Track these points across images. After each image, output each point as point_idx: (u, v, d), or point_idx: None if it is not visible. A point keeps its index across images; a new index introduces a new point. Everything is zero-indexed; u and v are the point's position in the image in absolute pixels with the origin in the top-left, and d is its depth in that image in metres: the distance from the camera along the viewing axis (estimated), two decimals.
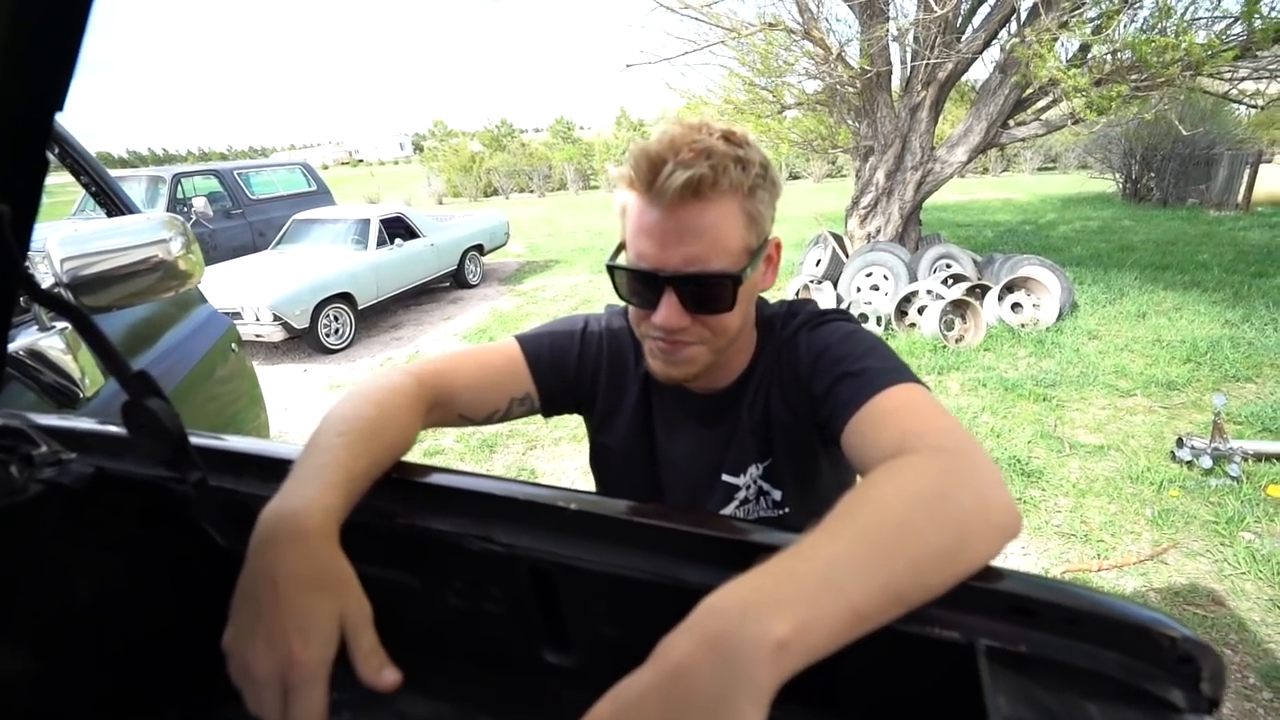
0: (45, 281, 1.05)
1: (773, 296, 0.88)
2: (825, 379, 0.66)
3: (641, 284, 0.66)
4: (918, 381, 0.61)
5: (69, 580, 0.64)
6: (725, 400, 0.78)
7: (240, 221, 7.95)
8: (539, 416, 0.83)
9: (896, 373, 0.62)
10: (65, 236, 1.03)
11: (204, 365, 1.58)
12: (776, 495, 0.78)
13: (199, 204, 7.33)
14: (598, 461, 0.88)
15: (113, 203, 1.43)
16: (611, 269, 0.68)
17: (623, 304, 0.84)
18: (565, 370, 0.80)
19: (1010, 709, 0.37)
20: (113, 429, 0.67)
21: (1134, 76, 4.46)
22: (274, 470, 0.58)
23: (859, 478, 0.58)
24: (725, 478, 0.79)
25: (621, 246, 0.69)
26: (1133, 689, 0.38)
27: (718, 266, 0.63)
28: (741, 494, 0.78)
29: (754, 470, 0.77)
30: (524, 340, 0.80)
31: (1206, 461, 2.69)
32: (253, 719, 0.63)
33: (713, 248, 0.62)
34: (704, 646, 0.33)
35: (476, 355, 0.77)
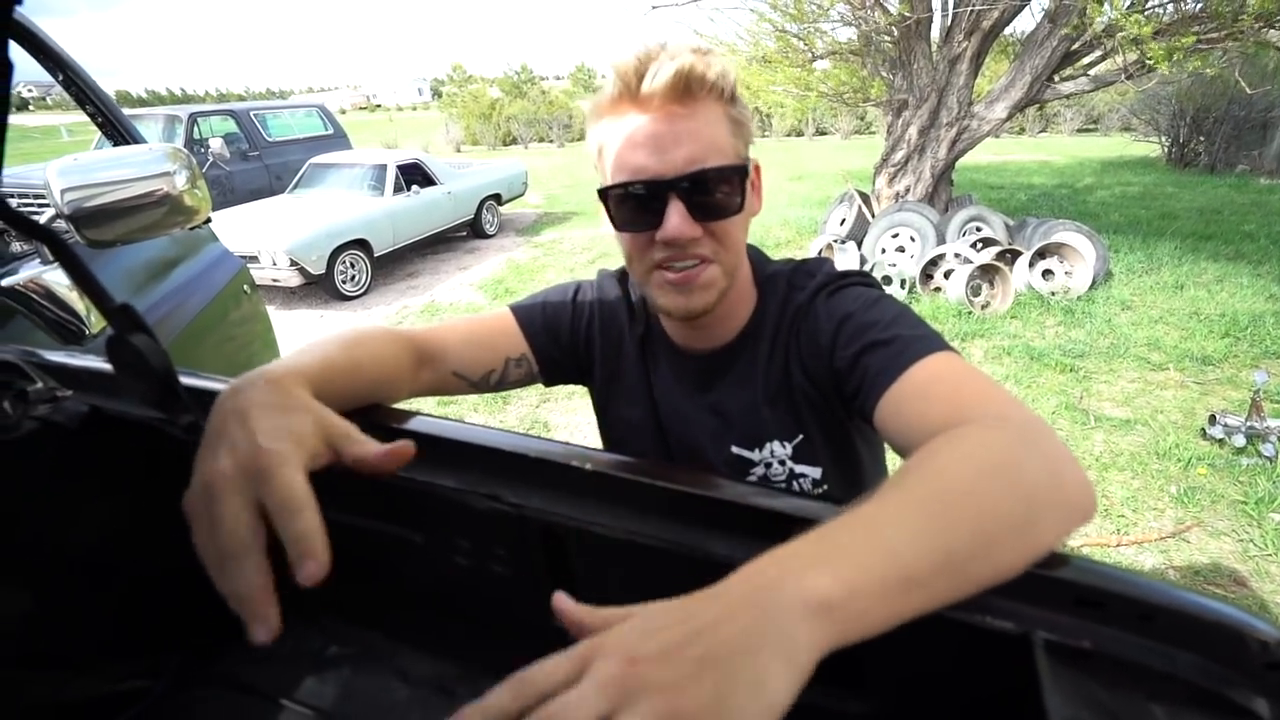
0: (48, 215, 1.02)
1: (795, 256, 0.82)
2: (850, 350, 0.60)
3: (642, 201, 0.61)
4: (952, 349, 0.56)
5: (64, 521, 0.62)
6: (721, 361, 0.73)
7: (257, 164, 7.86)
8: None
9: (929, 340, 0.57)
10: (65, 166, 0.99)
11: (216, 306, 1.56)
12: (815, 474, 0.72)
13: (216, 145, 7.24)
14: (607, 433, 0.84)
15: (118, 132, 1.38)
16: (605, 193, 0.63)
17: (614, 270, 0.81)
18: (559, 335, 0.77)
19: (1068, 709, 0.33)
20: (110, 367, 0.64)
21: (1197, 27, 4.15)
22: None
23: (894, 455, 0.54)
24: (736, 450, 0.73)
25: (606, 190, 0.64)
26: (1210, 694, 0.34)
27: (721, 163, 0.60)
28: (759, 470, 0.72)
29: (778, 449, 0.71)
30: (516, 307, 0.77)
31: (1239, 440, 2.60)
32: (258, 662, 0.62)
33: (712, 147, 0.60)
34: (740, 593, 0.30)
35: (467, 318, 0.76)
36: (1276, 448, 2.55)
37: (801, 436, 0.70)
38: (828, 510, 0.40)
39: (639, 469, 0.44)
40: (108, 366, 0.65)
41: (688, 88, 0.58)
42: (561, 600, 0.34)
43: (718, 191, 0.61)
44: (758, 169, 0.68)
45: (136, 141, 1.42)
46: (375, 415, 0.54)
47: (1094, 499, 0.41)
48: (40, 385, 0.64)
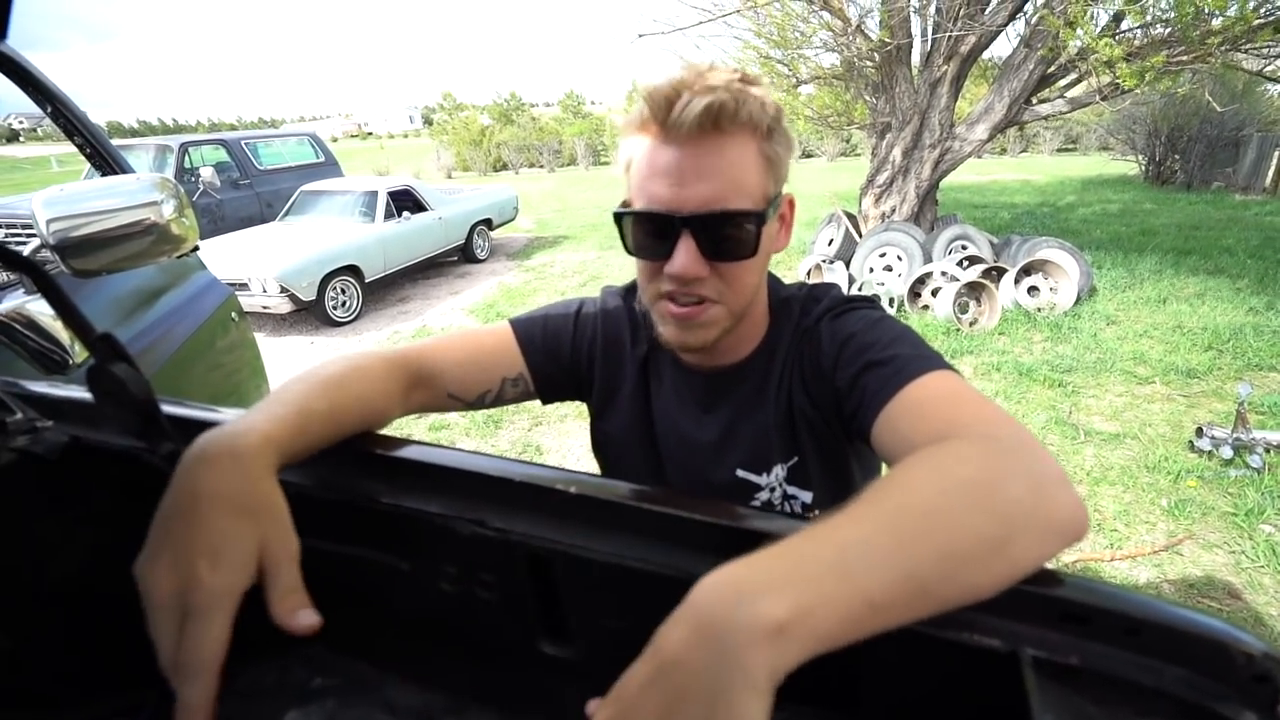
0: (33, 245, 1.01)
1: (783, 277, 0.83)
2: (850, 369, 0.60)
3: (654, 231, 0.60)
4: (951, 369, 0.56)
5: (43, 553, 0.61)
6: (730, 380, 0.72)
7: (248, 192, 7.88)
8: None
9: (928, 360, 0.57)
10: (51, 196, 0.99)
11: (203, 334, 1.55)
12: (805, 498, 0.71)
13: (206, 174, 7.26)
14: (599, 451, 0.83)
15: (106, 163, 1.39)
16: (620, 216, 0.62)
17: (619, 286, 0.80)
18: (559, 353, 0.76)
19: None
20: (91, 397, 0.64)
21: (1167, 51, 4.29)
22: None
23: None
24: (742, 474, 0.72)
25: (626, 205, 0.64)
26: (1198, 709, 0.33)
27: (739, 205, 0.58)
28: (764, 495, 0.72)
29: (779, 471, 0.71)
30: (517, 322, 0.76)
31: (1227, 451, 2.62)
32: (241, 696, 0.60)
33: (733, 187, 0.57)
34: (695, 634, 0.31)
35: (465, 335, 0.74)
36: (1264, 459, 2.58)
37: (796, 459, 0.70)
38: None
39: (624, 492, 0.44)
40: (89, 396, 0.64)
41: (716, 123, 0.56)
42: (590, 706, 0.35)
43: (731, 234, 0.59)
44: (791, 203, 0.67)
45: (125, 172, 1.43)
46: (357, 442, 0.54)
47: (1084, 520, 0.40)
48: (20, 416, 0.64)
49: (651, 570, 0.42)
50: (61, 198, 1.01)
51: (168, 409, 0.56)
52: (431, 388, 0.67)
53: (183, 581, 0.37)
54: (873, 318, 0.65)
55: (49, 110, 1.41)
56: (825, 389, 0.64)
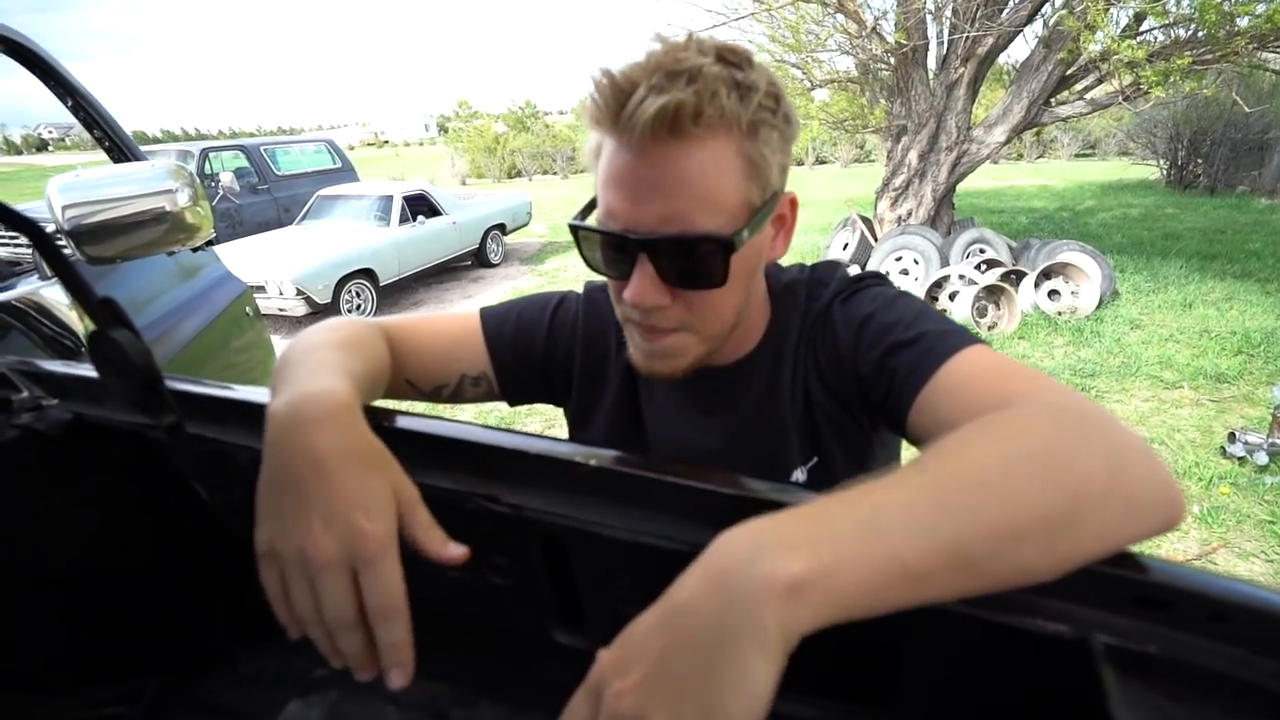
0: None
1: None
2: (874, 353, 0.55)
3: (612, 249, 0.52)
4: (984, 343, 0.52)
5: (44, 533, 0.59)
6: (732, 379, 0.64)
7: (266, 197, 7.99)
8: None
9: (958, 335, 0.52)
10: (66, 182, 0.98)
11: (217, 328, 1.55)
12: None
13: (226, 179, 7.37)
14: None
15: (124, 156, 1.39)
16: (576, 230, 0.54)
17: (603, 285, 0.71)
18: (529, 354, 0.68)
19: None
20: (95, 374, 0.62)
21: (1192, 51, 4.21)
22: (259, 418, 0.52)
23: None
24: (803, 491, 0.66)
25: (593, 204, 0.56)
26: None
27: (704, 227, 0.49)
28: None
29: (799, 476, 0.64)
30: (487, 314, 0.69)
31: (1262, 458, 2.54)
32: (241, 686, 0.58)
33: (698, 202, 0.48)
34: (708, 583, 0.30)
35: (434, 320, 0.68)
36: None
37: (816, 459, 0.64)
38: None
39: (645, 465, 0.41)
40: (94, 374, 0.63)
41: (675, 126, 0.45)
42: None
43: (694, 262, 0.50)
44: (792, 203, 0.58)
45: (137, 158, 1.43)
46: (370, 415, 0.51)
47: (1176, 500, 0.35)
48: (25, 394, 0.62)
49: (671, 548, 0.39)
50: (77, 184, 1.01)
51: (171, 384, 0.54)
52: (397, 369, 0.63)
53: (344, 537, 0.37)
54: (888, 295, 0.59)
55: (70, 104, 1.42)
56: (845, 377, 0.59)
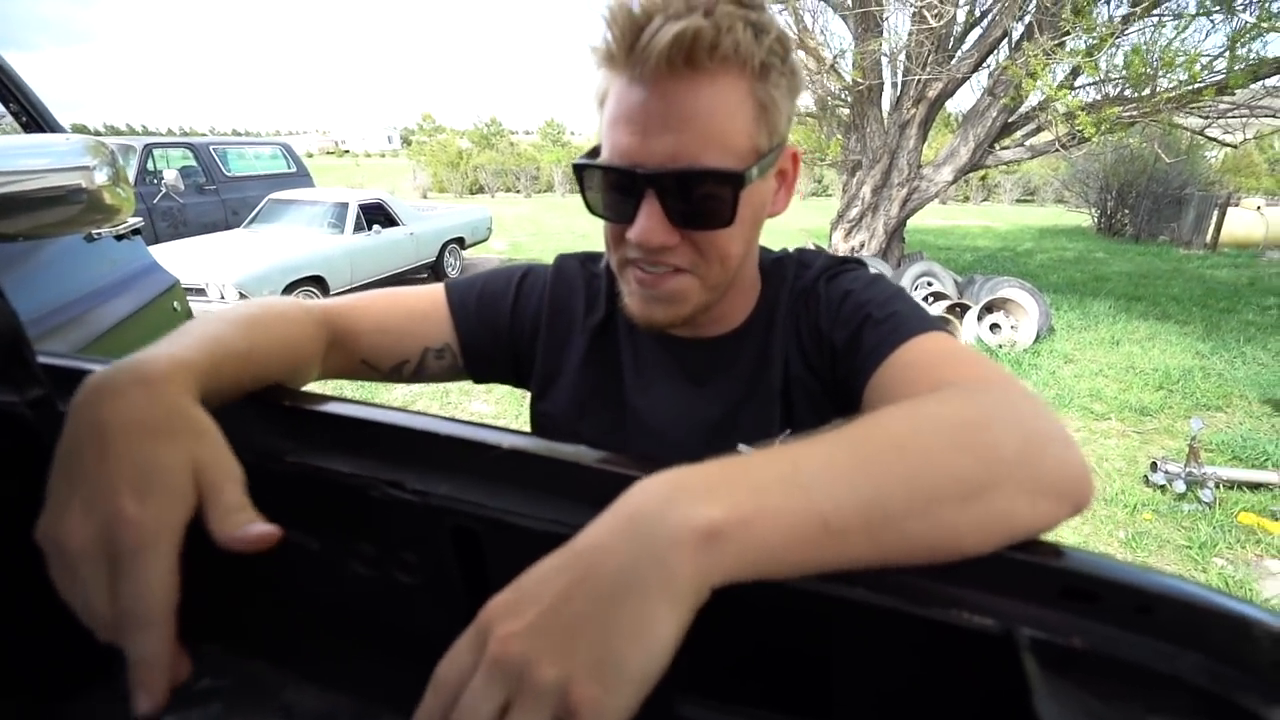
0: None
1: None
2: (848, 327, 0.57)
3: (617, 188, 0.51)
4: (948, 332, 0.53)
5: None
6: (724, 350, 0.64)
7: (213, 198, 7.68)
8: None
9: (926, 320, 0.54)
10: None
11: (141, 319, 1.44)
12: None
13: (170, 176, 7.04)
14: (541, 435, 0.75)
15: (33, 119, 1.30)
16: (580, 169, 0.53)
17: (577, 253, 0.72)
18: (496, 323, 0.67)
19: (1064, 718, 0.28)
20: None
21: (1120, 106, 4.53)
22: None
23: None
24: (745, 451, 0.66)
25: (595, 151, 0.54)
26: (1217, 700, 0.29)
27: (714, 163, 0.48)
28: None
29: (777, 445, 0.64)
30: (452, 285, 0.67)
31: (1180, 486, 2.67)
32: (120, 702, 0.51)
33: (709, 138, 0.47)
34: (620, 525, 0.29)
35: (391, 294, 0.65)
36: (1214, 493, 2.63)
37: (789, 430, 0.63)
38: None
39: (563, 451, 0.38)
40: None
41: (691, 57, 0.45)
42: None
43: (704, 198, 0.50)
44: (795, 158, 0.58)
45: (53, 129, 1.33)
46: (270, 393, 0.47)
47: (1084, 482, 0.35)
48: None
49: None
50: None
51: (44, 360, 0.48)
52: (346, 350, 0.59)
53: (104, 523, 0.31)
54: (868, 277, 0.61)
55: None
56: (823, 350, 0.60)
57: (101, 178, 1.04)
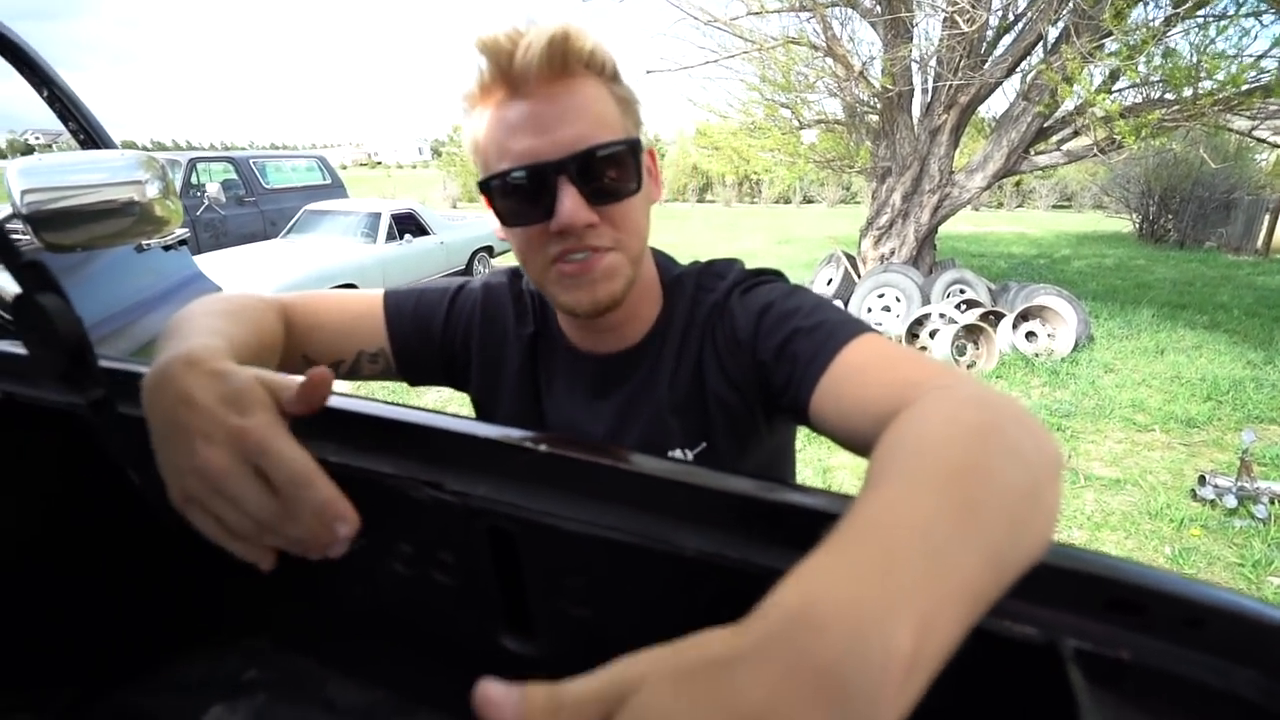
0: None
1: None
2: (774, 339, 0.58)
3: (530, 189, 0.55)
4: (876, 332, 0.55)
5: None
6: (622, 365, 0.67)
7: (253, 209, 7.94)
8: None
9: (854, 324, 0.55)
10: (28, 166, 0.96)
11: None
12: None
13: (212, 189, 7.32)
14: None
15: (90, 137, 1.36)
16: (486, 184, 0.57)
17: (505, 268, 0.75)
18: (429, 332, 0.71)
19: None
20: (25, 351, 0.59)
21: (1163, 109, 4.40)
22: None
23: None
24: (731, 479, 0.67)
25: (487, 182, 0.58)
26: (1272, 718, 0.28)
27: (610, 138, 0.55)
28: None
29: (678, 455, 0.66)
30: (390, 295, 0.71)
31: (1230, 501, 2.56)
32: (162, 692, 0.53)
33: (598, 124, 0.54)
34: (799, 688, 0.21)
35: (338, 297, 0.69)
36: (1269, 509, 2.51)
37: (705, 444, 0.66)
38: (804, 500, 0.35)
39: (597, 450, 0.39)
40: (24, 351, 0.59)
41: (564, 62, 0.53)
42: (487, 689, 0.23)
43: (612, 172, 0.56)
44: (652, 154, 0.64)
45: (107, 145, 1.40)
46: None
47: (1059, 446, 0.38)
48: None
49: (624, 540, 0.37)
50: (40, 168, 0.98)
51: (107, 363, 0.51)
52: (293, 343, 0.63)
53: (229, 441, 0.36)
54: (786, 288, 0.63)
55: (45, 94, 1.39)
56: (744, 363, 0.61)
57: (153, 191, 1.08)
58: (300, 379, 0.40)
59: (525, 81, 0.53)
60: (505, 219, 0.59)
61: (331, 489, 0.37)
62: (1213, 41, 4.32)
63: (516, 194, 0.56)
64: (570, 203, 0.54)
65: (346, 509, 0.37)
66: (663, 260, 0.70)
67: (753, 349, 0.60)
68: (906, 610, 0.23)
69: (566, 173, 0.54)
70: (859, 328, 0.54)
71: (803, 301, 0.59)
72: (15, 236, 1.04)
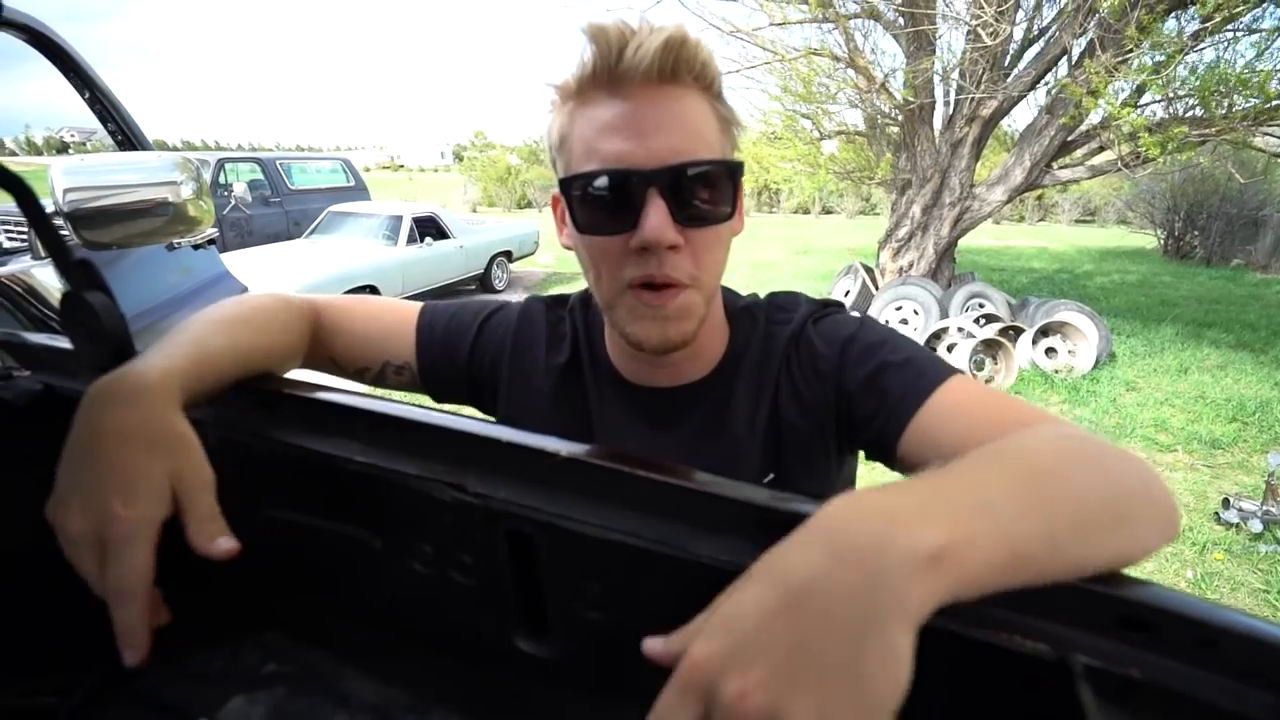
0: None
1: None
2: (861, 369, 0.56)
3: (615, 196, 0.51)
4: (964, 373, 0.55)
5: (3, 511, 0.57)
6: (688, 398, 0.63)
7: (278, 210, 8.10)
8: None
9: (943, 362, 0.54)
10: (70, 165, 0.99)
11: None
12: None
13: (239, 189, 7.47)
14: None
15: (127, 138, 1.41)
16: (568, 184, 0.53)
17: (544, 295, 0.73)
18: (457, 352, 0.69)
19: None
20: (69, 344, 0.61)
21: (1185, 128, 4.33)
22: (230, 400, 0.51)
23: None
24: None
25: (569, 181, 0.54)
26: None
27: (710, 156, 0.52)
28: None
29: None
30: (426, 310, 0.70)
31: (1256, 525, 2.50)
32: (183, 681, 0.55)
33: (698, 139, 0.51)
34: (837, 559, 0.27)
35: (373, 305, 0.69)
36: None
37: (772, 475, 0.63)
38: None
39: (616, 457, 0.40)
40: (66, 344, 0.61)
41: (674, 69, 0.49)
42: (651, 645, 0.30)
43: (705, 192, 0.52)
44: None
45: (144, 146, 1.44)
46: (328, 397, 0.50)
47: (1179, 518, 0.39)
48: None
49: (639, 545, 0.37)
50: (82, 168, 1.02)
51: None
52: (321, 344, 0.64)
53: (97, 518, 0.37)
54: (859, 319, 0.62)
55: (87, 96, 1.44)
56: (825, 394, 0.59)
57: (187, 191, 1.12)
58: (202, 522, 0.40)
59: (629, 81, 0.49)
60: (581, 226, 0.54)
61: (136, 619, 0.37)
62: (1240, 57, 4.26)
63: (598, 200, 0.52)
64: (657, 218, 0.49)
65: (139, 642, 0.37)
66: (726, 293, 0.67)
67: (837, 378, 0.57)
68: (943, 522, 0.28)
69: (658, 185, 0.49)
70: (949, 368, 0.53)
71: (884, 335, 0.58)
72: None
